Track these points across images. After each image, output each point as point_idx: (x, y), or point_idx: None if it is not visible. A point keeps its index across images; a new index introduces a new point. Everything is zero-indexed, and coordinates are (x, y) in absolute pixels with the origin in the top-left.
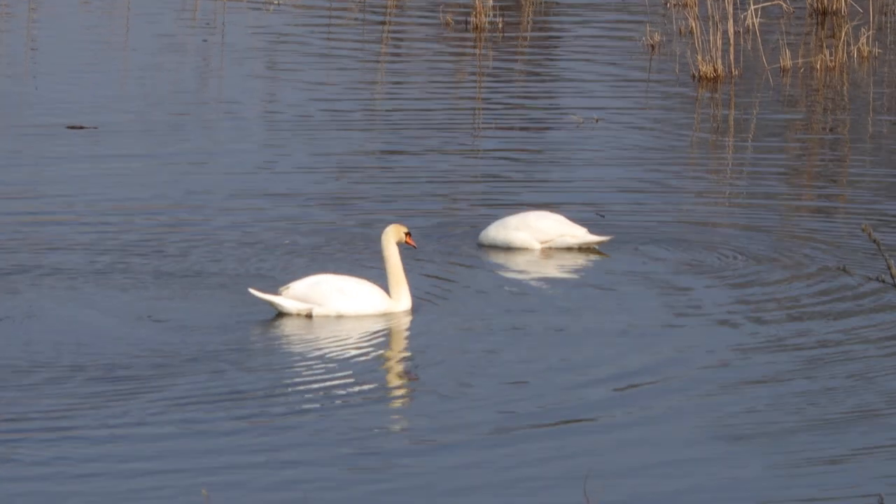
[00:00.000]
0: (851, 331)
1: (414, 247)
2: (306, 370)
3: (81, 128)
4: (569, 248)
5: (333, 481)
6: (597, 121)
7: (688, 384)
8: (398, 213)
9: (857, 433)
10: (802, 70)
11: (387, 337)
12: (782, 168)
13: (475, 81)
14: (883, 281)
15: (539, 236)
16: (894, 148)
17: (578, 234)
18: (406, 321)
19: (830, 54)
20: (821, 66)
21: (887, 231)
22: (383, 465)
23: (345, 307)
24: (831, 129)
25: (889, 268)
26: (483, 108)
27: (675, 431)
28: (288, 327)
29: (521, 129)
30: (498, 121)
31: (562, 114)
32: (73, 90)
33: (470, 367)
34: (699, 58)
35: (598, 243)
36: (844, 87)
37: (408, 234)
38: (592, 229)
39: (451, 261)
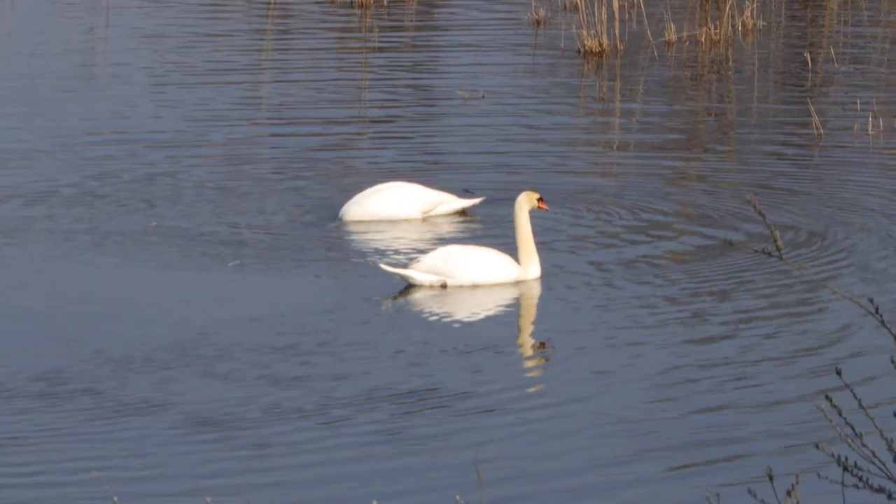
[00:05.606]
0: (741, 303)
1: (546, 210)
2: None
3: None
4: (447, 214)
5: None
6: (482, 96)
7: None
8: (284, 188)
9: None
10: (687, 43)
11: (521, 306)
12: (667, 139)
13: (360, 57)
14: (769, 254)
15: (422, 206)
16: (778, 118)
17: (453, 201)
18: (537, 289)
19: (715, 27)
20: (705, 39)
21: (769, 201)
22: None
23: (478, 277)
24: (716, 101)
25: (775, 240)
26: (369, 85)
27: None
28: (422, 298)
29: (406, 104)
30: (383, 97)
31: (447, 89)
32: None
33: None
34: (584, 32)
35: (472, 206)
36: (729, 60)
37: (540, 199)
38: (462, 196)
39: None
